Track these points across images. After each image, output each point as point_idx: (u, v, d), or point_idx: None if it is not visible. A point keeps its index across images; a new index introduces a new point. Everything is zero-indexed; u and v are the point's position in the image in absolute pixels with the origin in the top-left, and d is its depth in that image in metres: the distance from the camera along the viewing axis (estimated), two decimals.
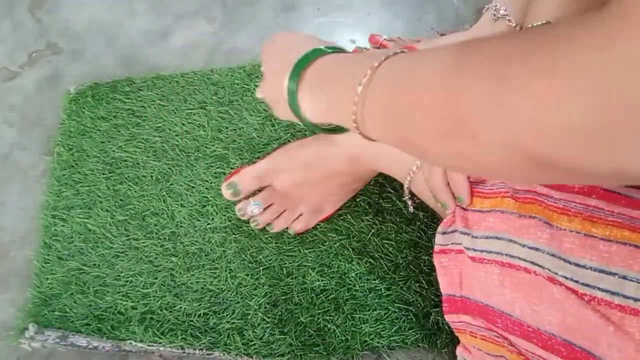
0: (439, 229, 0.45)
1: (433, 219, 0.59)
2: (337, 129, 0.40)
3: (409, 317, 0.55)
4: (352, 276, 0.58)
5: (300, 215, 0.59)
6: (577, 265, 0.32)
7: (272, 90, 0.42)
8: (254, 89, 0.72)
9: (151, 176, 0.68)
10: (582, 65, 0.20)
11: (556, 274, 0.33)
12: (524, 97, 0.23)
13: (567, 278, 0.32)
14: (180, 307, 0.59)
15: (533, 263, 0.34)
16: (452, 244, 0.43)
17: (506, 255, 0.37)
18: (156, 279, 0.61)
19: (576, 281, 0.32)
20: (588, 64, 0.20)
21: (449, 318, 0.43)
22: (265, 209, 0.58)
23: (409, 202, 0.55)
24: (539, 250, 0.34)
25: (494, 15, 0.57)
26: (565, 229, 0.33)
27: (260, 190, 0.58)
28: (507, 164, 0.26)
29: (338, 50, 0.38)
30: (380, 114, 0.32)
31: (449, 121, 0.27)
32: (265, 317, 0.57)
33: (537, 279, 0.34)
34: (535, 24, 0.45)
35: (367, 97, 0.32)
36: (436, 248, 0.44)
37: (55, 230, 0.66)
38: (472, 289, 0.40)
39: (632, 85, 0.19)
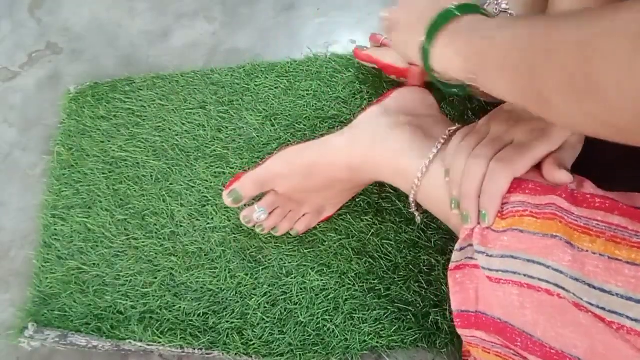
0: (457, 245, 0.42)
1: (433, 218, 0.59)
2: (458, 89, 0.44)
3: (409, 317, 0.55)
4: (351, 276, 0.58)
5: (303, 215, 0.59)
6: (602, 290, 0.31)
7: (406, 36, 0.45)
8: (254, 88, 0.72)
9: (151, 176, 0.68)
10: None
11: (581, 299, 0.31)
12: None
13: (592, 305, 0.31)
14: (180, 307, 0.59)
15: (557, 286, 0.33)
16: (467, 258, 0.41)
17: (524, 275, 0.35)
18: (156, 278, 0.61)
19: (602, 308, 0.30)
20: None
21: (461, 332, 0.41)
22: (269, 213, 0.58)
23: (417, 214, 0.53)
24: (562, 273, 0.33)
25: (496, 9, 0.57)
26: (587, 250, 0.32)
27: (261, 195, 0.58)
28: (636, 126, 0.26)
29: (469, 9, 0.40)
30: (515, 67, 0.33)
31: (580, 80, 0.27)
32: (264, 317, 0.57)
33: (562, 302, 0.33)
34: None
35: (504, 49, 0.34)
36: (451, 265, 0.42)
37: (55, 229, 0.66)
38: (491, 305, 0.38)
39: None
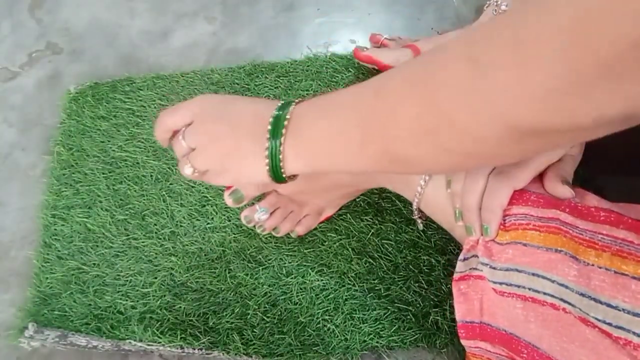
0: (460, 256, 0.42)
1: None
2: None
3: (408, 317, 0.55)
4: (351, 276, 0.58)
5: (304, 216, 0.59)
6: (609, 305, 0.31)
7: (235, 170, 0.40)
8: (254, 88, 0.72)
9: (151, 176, 0.68)
10: (541, 31, 0.22)
11: (588, 314, 0.31)
12: (496, 73, 0.24)
13: (599, 320, 0.31)
14: (180, 307, 0.59)
15: (562, 300, 0.33)
16: (471, 269, 0.41)
17: (529, 289, 0.35)
18: (156, 278, 0.61)
19: (609, 323, 0.30)
20: (546, 28, 0.22)
21: (465, 343, 0.41)
22: (270, 213, 0.58)
23: (419, 221, 0.54)
24: (567, 288, 0.33)
25: (495, 11, 0.57)
26: (593, 265, 0.32)
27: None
28: (497, 144, 0.26)
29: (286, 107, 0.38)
30: (360, 146, 0.32)
31: (430, 118, 0.27)
32: (264, 317, 0.57)
33: (567, 316, 0.33)
34: None
35: (340, 137, 0.33)
36: (456, 276, 0.42)
37: (55, 229, 0.66)
38: (495, 316, 0.38)
39: (589, 34, 0.20)
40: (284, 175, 0.38)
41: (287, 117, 0.36)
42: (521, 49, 0.23)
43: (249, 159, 0.39)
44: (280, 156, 0.37)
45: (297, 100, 0.38)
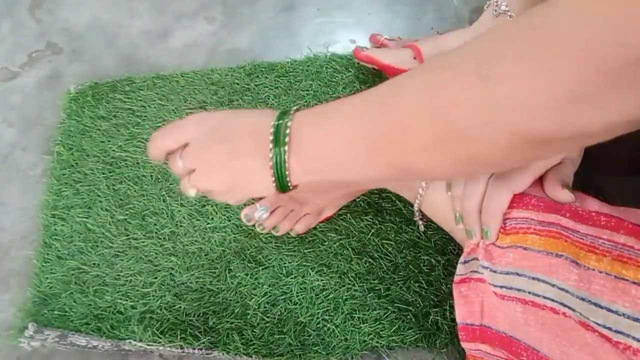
0: (461, 258, 0.43)
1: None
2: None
3: (408, 317, 0.55)
4: (351, 276, 0.58)
5: (304, 215, 0.59)
6: (609, 310, 0.31)
7: (242, 188, 0.40)
8: (254, 88, 0.72)
9: (151, 176, 0.68)
10: (551, 43, 0.22)
11: (588, 318, 0.31)
12: (507, 87, 0.24)
13: (599, 324, 0.31)
14: (180, 307, 0.59)
15: (562, 304, 0.33)
16: (472, 272, 0.41)
17: (529, 293, 0.35)
18: (156, 278, 0.61)
19: (609, 328, 0.30)
20: (555, 40, 0.22)
21: (465, 345, 0.41)
22: (271, 212, 0.58)
23: (420, 223, 0.54)
24: (568, 292, 0.33)
25: (495, 11, 0.57)
26: (594, 269, 0.32)
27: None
28: (508, 154, 0.26)
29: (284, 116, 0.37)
30: (366, 155, 0.32)
31: (440, 132, 0.27)
32: (264, 317, 0.57)
33: (567, 320, 0.33)
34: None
35: (347, 146, 0.33)
36: (456, 278, 0.42)
37: (55, 229, 0.66)
38: (496, 319, 0.39)
39: (596, 45, 0.21)
40: (290, 186, 0.38)
41: (288, 125, 0.36)
42: (531, 63, 0.23)
43: (254, 175, 0.38)
44: (286, 165, 0.36)
45: (294, 109, 0.37)
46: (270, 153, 0.36)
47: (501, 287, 0.37)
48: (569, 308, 0.33)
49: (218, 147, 0.38)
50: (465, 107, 0.26)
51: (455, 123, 0.27)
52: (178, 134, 0.40)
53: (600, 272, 0.32)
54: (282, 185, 0.38)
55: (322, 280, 0.58)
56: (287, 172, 0.37)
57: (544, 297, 0.34)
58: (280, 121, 0.36)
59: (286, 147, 0.36)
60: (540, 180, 0.41)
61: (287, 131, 0.36)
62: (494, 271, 0.38)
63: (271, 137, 0.36)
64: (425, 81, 0.29)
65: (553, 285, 0.34)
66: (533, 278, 0.35)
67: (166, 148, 0.41)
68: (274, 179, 0.37)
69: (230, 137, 0.38)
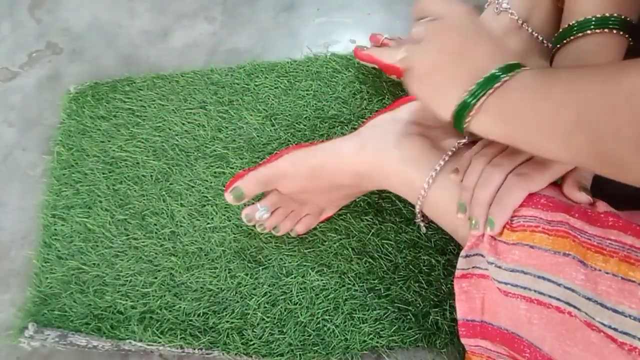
0: (462, 252, 0.42)
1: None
2: None
3: (408, 317, 0.55)
4: (351, 276, 0.58)
5: (305, 216, 0.59)
6: (615, 311, 0.31)
7: (435, 88, 0.39)
8: (254, 88, 0.72)
9: (151, 176, 0.68)
10: None
11: (593, 318, 0.31)
12: None
13: (604, 325, 0.31)
14: (180, 307, 0.59)
15: (568, 304, 0.33)
16: (474, 267, 0.41)
17: (534, 291, 0.35)
18: (156, 278, 0.61)
19: (615, 329, 0.30)
20: None
21: (465, 341, 0.41)
22: (271, 212, 0.58)
23: (422, 224, 0.54)
24: (574, 292, 0.33)
25: (497, 9, 0.57)
26: (600, 270, 0.32)
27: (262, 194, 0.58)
28: None
29: (512, 68, 0.36)
30: (569, 132, 0.31)
31: None
32: (264, 317, 0.57)
33: (572, 320, 0.33)
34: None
35: (553, 113, 0.31)
36: (457, 273, 0.42)
37: (55, 229, 0.66)
38: (497, 315, 0.38)
39: None
40: (465, 126, 0.37)
41: (506, 78, 0.35)
42: None
43: (448, 87, 0.37)
44: (477, 105, 0.35)
45: (525, 69, 0.36)
46: (472, 86, 0.36)
47: (506, 283, 0.37)
48: (575, 307, 0.33)
49: (455, 40, 0.38)
50: None
51: None
52: (442, 3, 0.40)
53: (607, 273, 0.32)
54: (459, 120, 0.37)
55: (322, 280, 0.58)
56: (471, 113, 0.36)
57: (550, 296, 0.34)
58: (504, 75, 0.35)
59: (489, 92, 0.35)
60: (552, 182, 0.41)
61: (505, 78, 0.35)
62: (500, 267, 0.38)
63: (488, 74, 0.35)
64: None
65: (559, 285, 0.34)
66: (539, 276, 0.35)
67: (428, 12, 0.41)
68: (457, 104, 0.36)
69: (469, 46, 0.38)
